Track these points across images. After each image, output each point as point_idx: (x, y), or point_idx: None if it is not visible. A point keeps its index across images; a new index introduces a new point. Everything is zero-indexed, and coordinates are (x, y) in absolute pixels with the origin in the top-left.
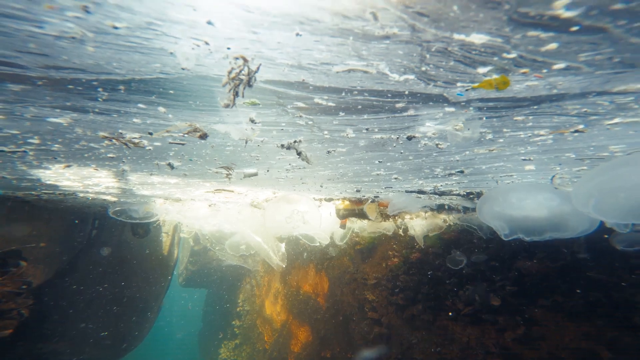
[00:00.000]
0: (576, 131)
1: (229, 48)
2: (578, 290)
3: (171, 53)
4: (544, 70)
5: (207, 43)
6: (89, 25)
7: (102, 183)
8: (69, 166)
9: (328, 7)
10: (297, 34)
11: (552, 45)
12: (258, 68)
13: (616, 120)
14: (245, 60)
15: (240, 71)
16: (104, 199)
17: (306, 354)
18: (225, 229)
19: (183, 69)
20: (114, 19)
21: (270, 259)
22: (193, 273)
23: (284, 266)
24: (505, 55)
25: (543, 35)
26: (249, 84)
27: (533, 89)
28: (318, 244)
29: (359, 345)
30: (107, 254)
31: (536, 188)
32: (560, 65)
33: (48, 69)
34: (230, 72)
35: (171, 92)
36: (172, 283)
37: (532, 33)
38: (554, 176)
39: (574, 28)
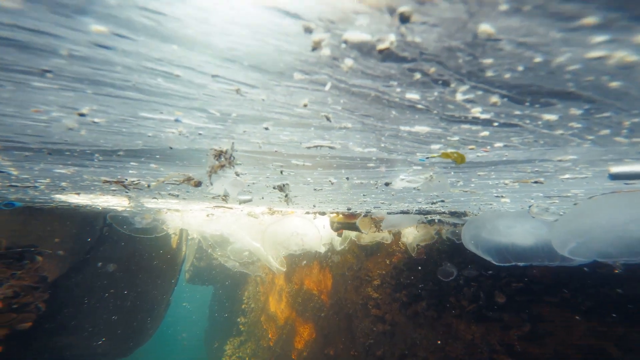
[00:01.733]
0: (536, 182)
1: (200, 134)
2: (587, 287)
3: (150, 135)
4: (488, 147)
5: (180, 132)
6: (73, 120)
7: (110, 201)
8: (78, 194)
9: (286, 112)
10: (266, 128)
11: (485, 133)
12: (232, 150)
13: (567, 175)
14: (221, 164)
15: (219, 159)
16: (113, 208)
17: (310, 351)
18: (226, 233)
19: (171, 148)
20: (92, 117)
21: (270, 264)
22: (199, 269)
23: (284, 270)
24: (449, 138)
25: (473, 127)
26: (229, 164)
27: (485, 158)
28: (322, 251)
29: (363, 343)
30: (113, 269)
31: (523, 216)
32: (499, 144)
33: (45, 144)
34: (211, 168)
35: (157, 156)
36: (179, 279)
37: (464, 126)
38: (530, 206)
39: (495, 124)
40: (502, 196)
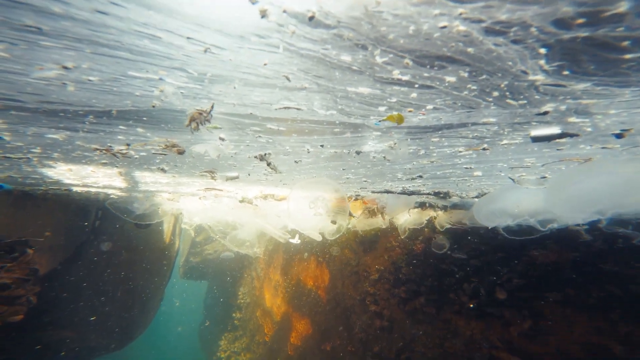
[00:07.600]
0: (484, 149)
1: (182, 92)
2: (590, 284)
3: (137, 95)
4: (423, 110)
5: (161, 91)
6: (70, 78)
7: (100, 182)
8: (70, 170)
9: (252, 72)
10: (234, 87)
11: (414, 95)
12: (211, 109)
13: (505, 141)
14: (200, 112)
15: (200, 114)
16: (106, 193)
17: (306, 347)
18: (227, 217)
19: (153, 106)
20: (88, 75)
21: (279, 235)
22: (194, 265)
23: (295, 242)
24: (389, 100)
25: (403, 89)
26: (207, 120)
27: (426, 121)
28: (318, 239)
29: (360, 339)
30: (107, 248)
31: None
32: (430, 106)
33: (42, 103)
34: (191, 116)
35: (144, 118)
36: (173, 274)
37: (395, 88)
38: (512, 178)
39: (416, 85)
40: (471, 167)
